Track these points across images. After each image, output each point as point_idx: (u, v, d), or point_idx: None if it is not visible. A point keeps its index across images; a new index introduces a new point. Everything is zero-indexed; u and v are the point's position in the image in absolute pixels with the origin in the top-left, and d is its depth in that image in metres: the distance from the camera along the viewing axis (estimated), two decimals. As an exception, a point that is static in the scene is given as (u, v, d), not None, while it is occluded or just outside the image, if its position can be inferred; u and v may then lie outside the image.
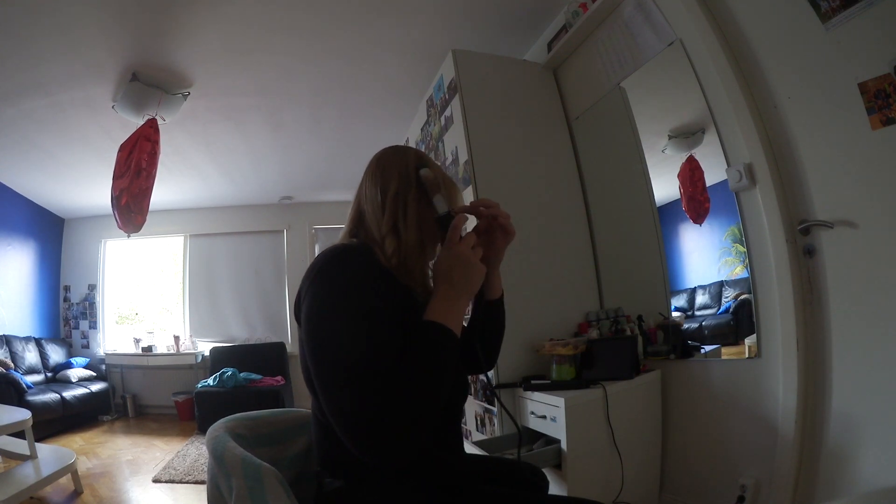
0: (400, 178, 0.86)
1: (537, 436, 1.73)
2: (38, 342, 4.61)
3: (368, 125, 3.64)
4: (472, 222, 0.91)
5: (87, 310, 5.33)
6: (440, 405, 0.68)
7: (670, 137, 1.90)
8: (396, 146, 0.95)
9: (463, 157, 2.10)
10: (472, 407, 2.17)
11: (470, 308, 0.99)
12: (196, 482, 2.78)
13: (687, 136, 1.82)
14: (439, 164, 1.71)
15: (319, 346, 0.69)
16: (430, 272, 0.88)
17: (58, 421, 3.92)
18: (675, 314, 1.94)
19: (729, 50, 1.57)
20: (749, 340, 1.62)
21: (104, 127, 3.35)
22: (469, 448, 1.67)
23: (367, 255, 0.78)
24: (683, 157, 1.84)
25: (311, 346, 0.70)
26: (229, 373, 4.44)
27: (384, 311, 0.71)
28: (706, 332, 1.83)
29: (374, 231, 0.85)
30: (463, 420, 2.02)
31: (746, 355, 1.63)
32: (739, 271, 1.67)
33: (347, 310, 0.69)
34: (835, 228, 1.35)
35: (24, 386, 3.76)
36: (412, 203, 0.85)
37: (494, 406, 1.94)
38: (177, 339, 5.16)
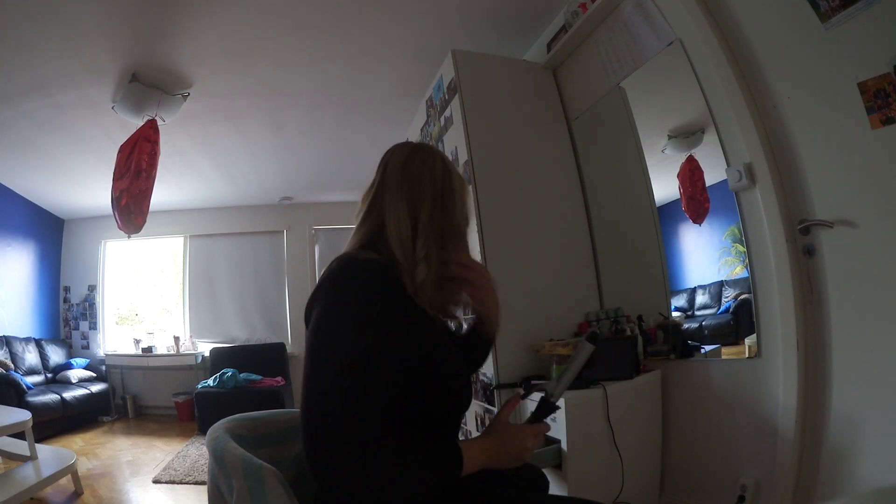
0: (433, 197, 0.82)
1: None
2: (38, 343, 4.60)
3: (368, 126, 3.64)
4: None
5: (87, 310, 5.32)
6: (397, 495, 0.67)
7: (670, 137, 1.90)
8: (417, 149, 0.89)
9: (463, 157, 2.10)
10: (473, 407, 2.17)
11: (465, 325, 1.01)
12: (196, 483, 2.78)
13: (687, 136, 1.82)
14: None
15: (316, 371, 0.67)
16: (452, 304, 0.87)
17: (58, 422, 3.91)
18: (675, 314, 1.94)
19: (729, 50, 1.57)
20: (749, 340, 1.62)
21: (104, 128, 3.35)
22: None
23: (390, 276, 0.75)
24: (683, 157, 1.84)
25: (310, 366, 0.68)
26: (229, 373, 4.43)
27: (390, 349, 0.70)
28: (706, 331, 1.83)
29: (398, 252, 0.80)
30: (463, 420, 2.02)
31: (746, 355, 1.63)
32: (739, 271, 1.67)
33: (351, 347, 0.67)
34: (834, 228, 1.35)
35: (24, 387, 3.76)
36: (448, 228, 0.83)
37: (494, 406, 1.94)
38: (177, 339, 5.15)
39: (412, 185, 0.83)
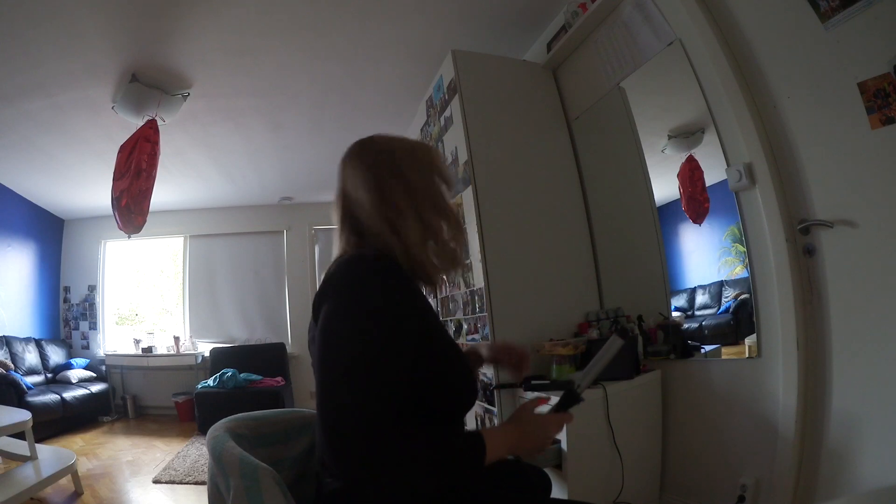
0: (392, 173, 0.84)
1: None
2: (38, 343, 4.61)
3: (368, 125, 3.59)
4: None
5: (87, 311, 5.33)
6: (425, 486, 0.67)
7: (670, 137, 1.90)
8: (369, 139, 0.93)
9: (463, 157, 2.10)
10: (473, 407, 2.16)
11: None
12: (196, 483, 2.78)
13: (686, 135, 1.82)
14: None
15: (331, 368, 0.68)
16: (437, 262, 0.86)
17: (58, 422, 3.91)
18: (675, 314, 1.94)
19: (728, 50, 1.57)
20: (749, 340, 1.62)
21: (104, 128, 3.35)
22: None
23: (397, 271, 0.76)
24: (683, 156, 1.84)
25: (324, 364, 0.69)
26: (229, 373, 4.43)
27: (403, 343, 0.71)
28: (706, 331, 1.83)
29: (381, 242, 0.82)
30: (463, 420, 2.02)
31: (746, 355, 1.63)
32: (739, 271, 1.67)
33: (366, 341, 0.68)
34: (834, 228, 1.35)
35: (24, 387, 3.76)
36: (423, 197, 0.84)
37: (494, 406, 1.94)
38: (177, 339, 5.16)
39: (371, 172, 0.86)
